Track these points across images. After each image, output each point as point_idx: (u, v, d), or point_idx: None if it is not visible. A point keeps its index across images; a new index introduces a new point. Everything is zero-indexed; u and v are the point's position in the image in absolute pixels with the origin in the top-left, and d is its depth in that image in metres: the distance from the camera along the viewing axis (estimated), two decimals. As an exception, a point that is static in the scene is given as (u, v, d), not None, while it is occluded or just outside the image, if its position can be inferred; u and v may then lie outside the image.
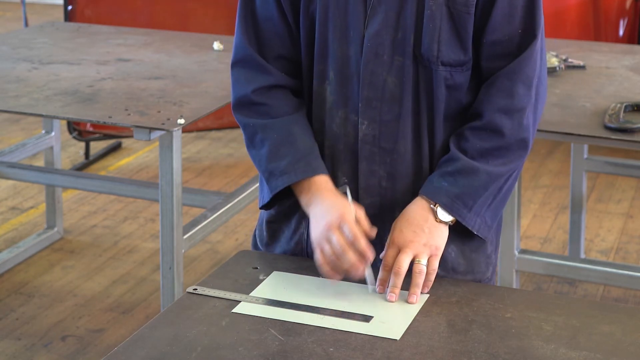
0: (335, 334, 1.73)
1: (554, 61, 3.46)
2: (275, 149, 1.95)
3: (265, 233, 2.10)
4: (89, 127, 5.48)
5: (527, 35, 1.92)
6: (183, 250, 3.22)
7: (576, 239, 4.02)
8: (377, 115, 1.94)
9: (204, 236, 3.41)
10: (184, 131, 5.56)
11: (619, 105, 3.01)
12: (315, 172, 1.93)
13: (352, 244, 1.83)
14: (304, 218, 2.02)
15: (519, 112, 1.91)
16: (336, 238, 1.84)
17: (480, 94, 1.94)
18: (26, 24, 5.86)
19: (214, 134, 6.00)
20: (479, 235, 1.93)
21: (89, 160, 5.51)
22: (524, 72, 1.92)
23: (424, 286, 1.86)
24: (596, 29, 5.67)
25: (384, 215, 1.96)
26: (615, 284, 3.41)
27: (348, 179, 1.97)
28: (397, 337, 1.71)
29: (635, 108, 3.03)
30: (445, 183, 1.90)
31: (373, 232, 1.88)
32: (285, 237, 2.06)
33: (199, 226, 3.38)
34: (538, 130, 2.93)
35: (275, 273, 1.94)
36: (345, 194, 1.92)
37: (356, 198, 1.98)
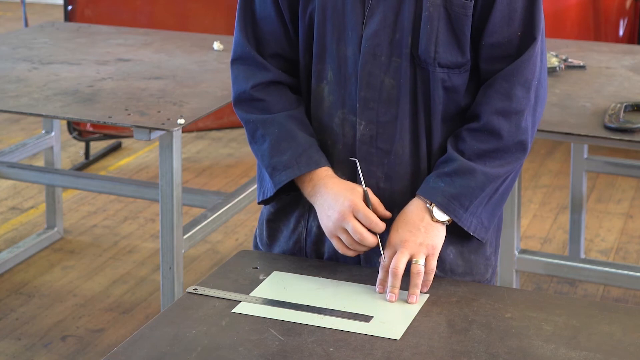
0: (335, 334, 1.73)
1: (554, 61, 3.46)
2: (277, 143, 1.96)
3: (265, 232, 2.10)
4: (89, 127, 5.48)
5: (527, 38, 1.92)
6: (183, 250, 3.22)
7: (576, 239, 4.02)
8: (375, 116, 1.94)
9: (204, 236, 3.41)
10: (184, 131, 5.56)
11: (619, 105, 3.01)
12: (318, 165, 1.94)
13: (373, 229, 1.87)
14: (303, 217, 2.03)
15: (517, 114, 1.91)
16: (352, 226, 1.87)
17: (479, 96, 1.94)
18: (26, 24, 5.86)
19: (214, 134, 6.00)
20: (476, 236, 1.93)
21: (89, 160, 5.51)
22: (523, 74, 1.91)
23: (423, 285, 1.86)
24: (596, 29, 5.67)
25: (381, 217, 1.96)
26: (615, 284, 3.41)
27: (347, 178, 1.97)
28: (397, 337, 1.71)
29: (635, 108, 3.03)
30: (442, 184, 1.90)
31: (387, 213, 1.91)
32: (284, 236, 2.06)
33: (199, 226, 3.38)
34: (538, 130, 2.93)
35: (275, 273, 1.94)
36: (352, 171, 1.94)
37: None
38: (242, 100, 2.02)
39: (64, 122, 5.51)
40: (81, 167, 5.41)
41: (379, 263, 1.90)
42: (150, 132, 2.99)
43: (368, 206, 1.90)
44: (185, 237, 3.26)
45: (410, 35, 1.91)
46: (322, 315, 1.79)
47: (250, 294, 1.86)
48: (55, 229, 4.48)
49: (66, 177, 4.04)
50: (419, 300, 1.84)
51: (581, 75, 3.44)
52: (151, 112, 3.08)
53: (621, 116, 2.92)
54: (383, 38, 1.91)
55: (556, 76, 3.42)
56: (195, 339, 1.70)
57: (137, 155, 5.64)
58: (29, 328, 3.71)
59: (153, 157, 5.58)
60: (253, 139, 2.01)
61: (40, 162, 5.13)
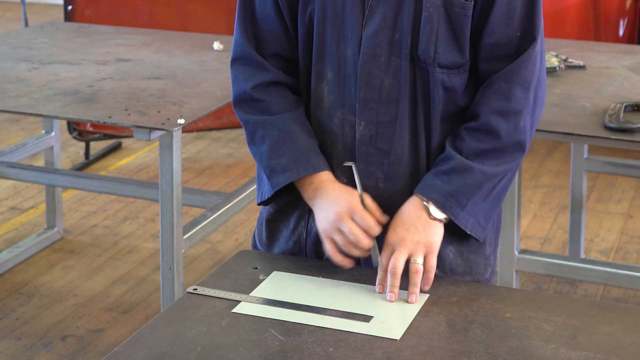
0: (335, 334, 1.73)
1: (554, 61, 3.46)
2: (276, 146, 1.96)
3: (264, 233, 2.10)
4: (89, 127, 5.48)
5: (526, 38, 1.91)
6: (183, 250, 3.22)
7: (576, 239, 4.02)
8: (374, 117, 1.94)
9: (204, 236, 3.41)
10: (184, 131, 5.56)
11: (619, 105, 3.01)
12: (316, 170, 1.94)
13: (366, 232, 1.87)
14: (302, 218, 2.03)
15: (515, 114, 1.91)
16: (348, 227, 1.87)
17: (478, 96, 1.94)
18: (26, 24, 5.86)
19: (214, 134, 6.00)
20: (472, 235, 1.93)
21: (89, 160, 5.51)
22: (522, 74, 1.91)
23: (424, 284, 1.86)
24: (596, 29, 5.67)
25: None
26: (615, 284, 3.41)
27: (346, 179, 1.98)
28: (397, 337, 1.71)
29: (635, 108, 3.03)
30: (439, 181, 1.90)
31: (384, 218, 1.91)
32: (284, 236, 2.06)
33: (199, 226, 3.38)
34: (538, 130, 2.94)
35: (275, 273, 1.94)
36: (352, 172, 1.94)
37: None
38: (242, 100, 2.02)
39: (64, 122, 5.51)
40: (81, 167, 5.41)
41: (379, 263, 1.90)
42: (150, 132, 2.99)
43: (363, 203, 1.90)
44: (185, 237, 3.26)
45: (410, 36, 1.91)
46: (322, 315, 1.79)
47: (250, 294, 1.86)
48: (55, 229, 4.48)
49: (66, 177, 4.04)
50: (418, 299, 1.83)
51: (581, 75, 3.44)
52: (151, 112, 3.08)
53: (621, 116, 2.92)
54: (383, 38, 1.91)
55: (556, 76, 3.42)
56: (195, 339, 1.70)
57: (137, 155, 5.64)
58: (29, 328, 3.71)
59: (153, 157, 5.58)
60: (252, 140, 2.01)
61: (40, 162, 5.13)
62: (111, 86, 3.37)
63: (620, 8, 5.71)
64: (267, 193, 1.99)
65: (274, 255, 2.05)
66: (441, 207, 1.89)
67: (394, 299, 1.83)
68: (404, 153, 1.95)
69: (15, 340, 3.62)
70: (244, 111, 2.02)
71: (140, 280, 4.11)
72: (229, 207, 3.58)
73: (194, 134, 5.94)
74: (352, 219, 1.88)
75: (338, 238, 1.89)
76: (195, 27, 5.49)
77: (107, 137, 5.59)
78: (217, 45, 3.92)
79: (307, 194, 1.95)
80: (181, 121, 3.00)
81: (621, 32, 5.73)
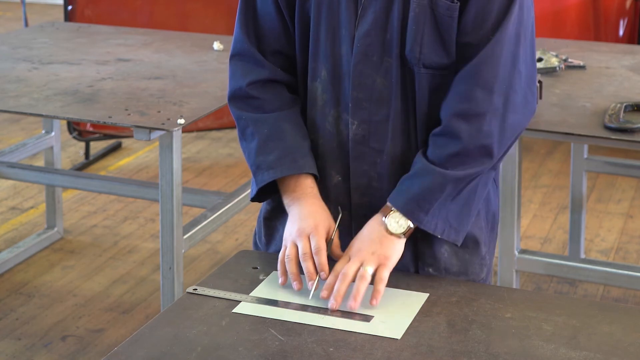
0: (335, 334, 1.73)
1: (554, 61, 3.46)
2: (264, 143, 1.97)
3: (262, 231, 2.11)
4: (89, 127, 5.48)
5: (493, 41, 1.87)
6: (183, 250, 3.22)
7: (576, 239, 4.02)
8: (367, 116, 1.94)
9: (204, 236, 3.41)
10: (184, 131, 5.56)
11: (619, 105, 3.01)
12: (302, 170, 1.94)
13: (315, 255, 1.86)
14: None
15: (477, 117, 1.87)
16: (303, 245, 1.87)
17: (445, 98, 1.91)
18: (26, 24, 5.86)
19: (214, 134, 6.00)
20: (445, 238, 1.90)
21: (89, 160, 5.51)
22: (481, 76, 1.87)
23: (372, 297, 1.82)
24: (596, 29, 5.67)
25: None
26: (615, 284, 3.41)
27: (341, 178, 1.98)
28: (398, 336, 1.71)
29: (635, 108, 3.03)
30: (404, 187, 1.89)
31: (339, 255, 1.90)
32: (280, 235, 2.06)
33: (199, 226, 3.38)
34: (538, 130, 2.94)
35: (275, 273, 1.94)
36: (336, 219, 1.94)
37: (348, 197, 1.99)
38: (236, 97, 2.02)
39: (64, 122, 5.51)
40: (81, 167, 5.41)
41: None
42: (150, 132, 2.99)
43: (330, 242, 1.90)
44: (185, 237, 3.26)
45: (399, 35, 1.91)
46: (322, 315, 1.79)
47: (250, 294, 1.86)
48: (55, 229, 4.48)
49: (66, 177, 4.04)
50: (358, 306, 1.80)
51: (581, 75, 3.44)
52: (151, 112, 3.08)
53: (621, 116, 2.92)
54: (375, 38, 1.91)
55: (556, 76, 3.42)
56: (195, 339, 1.70)
57: (137, 155, 5.64)
58: (29, 328, 3.71)
59: (153, 157, 5.58)
60: (243, 136, 2.02)
61: (40, 162, 5.13)
62: (111, 86, 3.37)
63: (620, 8, 5.71)
64: (254, 190, 2.00)
65: (274, 255, 2.05)
66: (404, 212, 1.87)
67: (335, 307, 1.81)
68: (396, 152, 1.95)
69: (15, 340, 3.62)
70: (237, 107, 2.02)
71: (140, 280, 4.11)
72: (229, 207, 3.58)
73: (194, 134, 5.94)
74: (309, 239, 1.88)
75: (291, 251, 1.88)
76: (195, 27, 5.49)
77: (107, 137, 5.59)
78: (217, 45, 3.92)
79: (286, 199, 1.96)
80: (181, 121, 3.00)
81: (621, 32, 5.73)
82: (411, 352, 1.67)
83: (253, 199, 2.04)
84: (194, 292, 1.87)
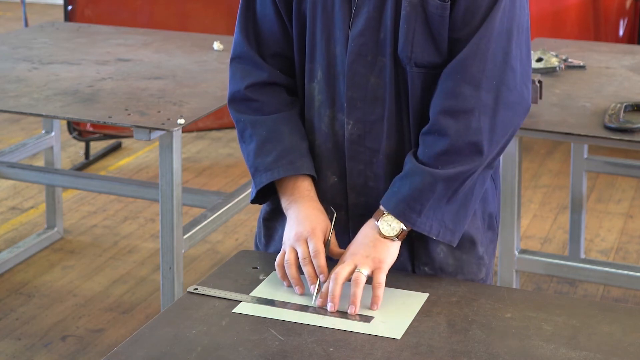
0: (335, 334, 1.73)
1: (554, 61, 3.46)
2: (262, 144, 1.97)
3: (262, 231, 2.11)
4: (89, 127, 5.48)
5: (478, 36, 1.86)
6: (183, 250, 3.22)
7: (576, 239, 4.02)
8: (362, 115, 1.94)
9: (204, 236, 3.41)
10: (184, 131, 5.56)
11: (619, 105, 3.01)
12: (299, 171, 1.94)
13: (313, 259, 1.86)
14: None
15: (465, 113, 1.85)
16: (302, 250, 1.87)
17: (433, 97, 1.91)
18: (26, 24, 5.86)
19: (214, 134, 6.00)
20: (441, 239, 1.89)
21: (89, 160, 5.51)
22: (468, 71, 1.85)
23: (372, 303, 1.82)
24: (596, 29, 5.67)
25: (371, 215, 1.96)
26: (615, 284, 3.41)
27: (337, 178, 1.98)
28: (398, 336, 1.71)
29: (635, 108, 3.03)
30: (394, 188, 1.89)
31: (339, 254, 1.90)
32: (279, 235, 2.06)
33: (199, 226, 3.38)
34: (538, 130, 2.94)
35: (275, 273, 1.94)
36: (331, 219, 1.94)
37: (344, 197, 1.99)
38: (236, 99, 2.03)
39: (64, 122, 5.51)
40: (81, 167, 5.41)
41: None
42: (150, 132, 2.99)
43: (327, 244, 1.90)
44: (185, 237, 3.26)
45: (392, 35, 1.90)
46: (322, 315, 1.79)
47: (250, 294, 1.86)
48: (55, 229, 4.48)
49: (66, 177, 4.04)
50: (357, 310, 1.80)
51: (581, 75, 3.44)
52: (151, 112, 3.08)
53: (621, 116, 2.92)
54: (369, 37, 1.91)
55: (556, 76, 3.42)
56: (195, 339, 1.70)
57: (137, 155, 5.64)
58: (29, 328, 3.71)
59: (153, 157, 5.58)
60: (242, 138, 2.02)
61: (40, 162, 5.13)
62: (111, 86, 3.37)
63: (620, 8, 5.71)
64: (254, 192, 2.00)
65: (274, 255, 2.05)
66: (396, 215, 1.87)
67: (334, 309, 1.80)
68: (392, 152, 1.95)
69: (15, 340, 3.62)
70: (236, 110, 2.02)
71: (140, 280, 4.11)
72: (229, 207, 3.58)
73: (194, 134, 5.94)
74: (307, 243, 1.88)
75: (291, 255, 1.88)
76: (195, 27, 5.49)
77: (107, 137, 5.59)
78: (217, 45, 3.92)
79: (284, 202, 1.97)
80: (181, 121, 3.00)
81: (621, 32, 5.73)
82: (411, 352, 1.67)
83: (253, 201, 2.04)
84: (194, 292, 1.87)
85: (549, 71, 3.44)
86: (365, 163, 1.96)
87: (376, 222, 1.88)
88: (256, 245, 2.15)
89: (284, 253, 1.90)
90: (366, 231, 1.89)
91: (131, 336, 1.72)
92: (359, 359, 1.65)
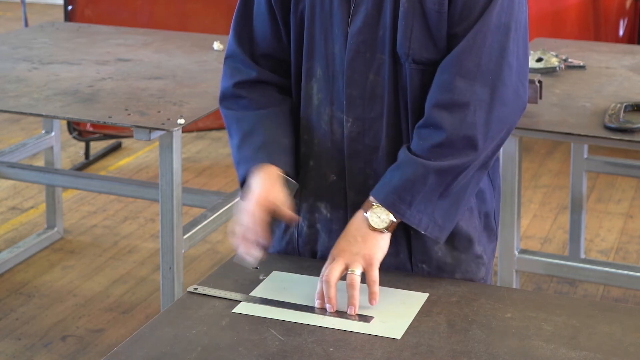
0: (335, 334, 1.73)
1: (554, 61, 3.46)
2: (244, 138, 1.98)
3: (259, 234, 2.11)
4: (89, 127, 5.48)
5: (474, 30, 1.85)
6: (183, 250, 3.22)
7: (576, 239, 4.02)
8: (361, 113, 1.94)
9: (204, 236, 3.42)
10: (184, 131, 5.56)
11: (619, 105, 3.01)
12: (274, 162, 1.93)
13: (253, 227, 1.87)
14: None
15: (460, 107, 1.85)
16: (243, 219, 1.88)
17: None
18: (26, 24, 5.86)
19: (214, 134, 6.00)
20: (428, 234, 1.87)
21: (89, 160, 5.51)
22: (462, 65, 1.85)
23: (370, 299, 1.82)
24: (596, 29, 5.67)
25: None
26: (615, 284, 3.41)
27: (336, 177, 1.98)
28: (398, 336, 1.71)
29: (635, 108, 3.03)
30: (386, 179, 1.87)
31: (292, 220, 1.90)
32: (277, 236, 2.07)
33: (199, 226, 3.38)
34: (538, 130, 2.94)
35: (275, 273, 1.94)
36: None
37: (344, 196, 1.98)
38: (225, 97, 2.04)
39: (64, 122, 5.51)
40: (81, 167, 5.41)
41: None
42: (150, 132, 2.99)
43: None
44: (185, 237, 3.26)
45: (391, 32, 1.90)
46: (322, 315, 1.79)
47: (250, 294, 1.86)
48: (55, 229, 4.48)
49: (66, 177, 4.04)
50: (357, 310, 1.80)
51: (581, 75, 3.44)
52: (151, 112, 3.08)
53: (621, 116, 2.93)
54: (367, 35, 1.91)
55: (556, 76, 3.42)
56: (195, 339, 1.70)
57: (137, 155, 5.64)
58: (29, 328, 3.71)
59: (153, 157, 5.58)
60: (229, 134, 2.03)
61: (40, 162, 5.13)
62: (111, 86, 3.37)
63: (620, 8, 5.71)
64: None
65: (273, 255, 2.05)
66: (385, 205, 1.85)
67: (333, 310, 1.80)
68: (391, 149, 1.94)
69: (15, 340, 3.62)
70: (225, 107, 2.04)
71: (140, 280, 4.11)
72: (229, 207, 3.58)
73: (194, 134, 5.94)
74: (251, 213, 1.88)
75: (237, 227, 1.89)
76: (195, 27, 5.49)
77: (107, 137, 5.59)
78: (217, 45, 3.92)
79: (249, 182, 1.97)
80: (181, 121, 3.00)
81: (621, 32, 5.73)
82: (411, 352, 1.67)
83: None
84: (194, 292, 1.87)
85: (549, 71, 3.44)
86: (364, 161, 1.96)
87: (365, 213, 1.86)
88: (254, 246, 2.15)
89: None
90: (355, 224, 1.87)
91: (131, 336, 1.72)
92: (359, 359, 1.65)
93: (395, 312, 1.80)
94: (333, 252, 1.87)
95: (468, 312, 1.80)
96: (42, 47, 3.92)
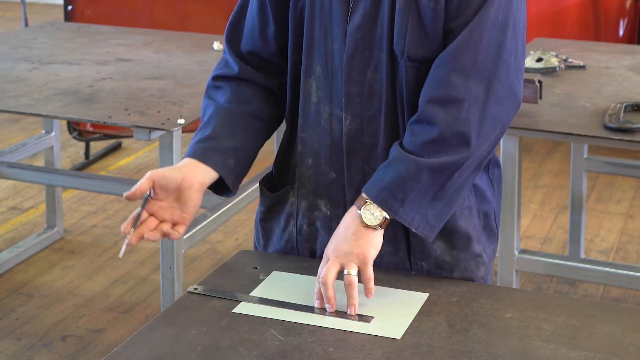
0: (335, 334, 1.73)
1: (554, 61, 3.46)
2: (202, 127, 2.00)
3: (260, 232, 2.11)
4: (89, 127, 5.48)
5: (471, 26, 1.85)
6: (183, 250, 3.22)
7: (576, 239, 4.02)
8: (360, 110, 1.94)
9: (204, 236, 3.41)
10: (184, 131, 5.55)
11: (619, 105, 3.01)
12: (201, 159, 1.94)
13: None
14: (292, 216, 2.04)
15: (454, 103, 1.83)
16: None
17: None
18: (26, 24, 5.86)
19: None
20: (419, 233, 1.86)
21: (89, 160, 5.51)
22: (458, 60, 1.84)
23: (367, 293, 1.81)
24: (596, 29, 5.67)
25: None
26: (615, 284, 3.41)
27: (335, 174, 1.98)
28: (398, 336, 1.71)
29: (635, 108, 3.04)
30: (376, 176, 1.86)
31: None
32: (276, 236, 2.07)
33: (199, 226, 3.38)
34: (538, 130, 2.94)
35: (275, 273, 1.94)
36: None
37: (343, 194, 1.98)
38: (208, 86, 2.07)
39: (64, 122, 5.51)
40: (81, 167, 5.41)
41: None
42: (150, 132, 2.99)
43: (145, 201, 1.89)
44: (185, 237, 3.26)
45: (388, 29, 1.91)
46: (322, 315, 1.79)
47: (250, 294, 1.86)
48: (55, 229, 4.48)
49: (66, 177, 4.04)
50: (357, 310, 1.79)
51: (581, 75, 3.44)
52: (151, 112, 3.08)
53: (621, 116, 2.93)
54: (366, 32, 1.92)
55: (556, 76, 3.42)
56: (195, 339, 1.70)
57: (137, 155, 5.64)
58: (29, 328, 3.71)
59: (153, 157, 5.58)
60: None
61: (40, 162, 5.13)
62: (111, 86, 3.37)
63: (620, 8, 5.71)
64: None
65: (273, 255, 2.05)
66: (378, 202, 1.83)
67: (333, 310, 1.80)
68: (389, 147, 1.94)
69: (15, 340, 3.62)
70: (206, 95, 2.06)
71: (140, 280, 4.11)
72: (229, 207, 3.58)
73: (194, 134, 5.93)
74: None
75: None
76: (195, 27, 5.49)
77: (107, 137, 5.59)
78: (217, 45, 3.92)
79: None
80: (181, 121, 3.00)
81: (621, 32, 5.73)
82: (411, 352, 1.67)
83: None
84: (194, 292, 1.87)
85: (549, 71, 3.44)
86: (363, 159, 1.96)
87: (358, 210, 1.85)
88: (255, 247, 2.15)
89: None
90: (348, 221, 1.86)
91: (131, 336, 1.72)
92: (359, 359, 1.65)
93: (395, 312, 1.80)
94: (327, 250, 1.86)
95: (468, 312, 1.80)
96: (42, 47, 3.92)
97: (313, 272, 1.93)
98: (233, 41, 2.05)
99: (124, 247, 1.82)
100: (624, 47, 3.97)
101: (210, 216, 3.47)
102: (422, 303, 1.83)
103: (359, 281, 1.83)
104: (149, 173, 1.89)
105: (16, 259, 4.24)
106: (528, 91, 2.92)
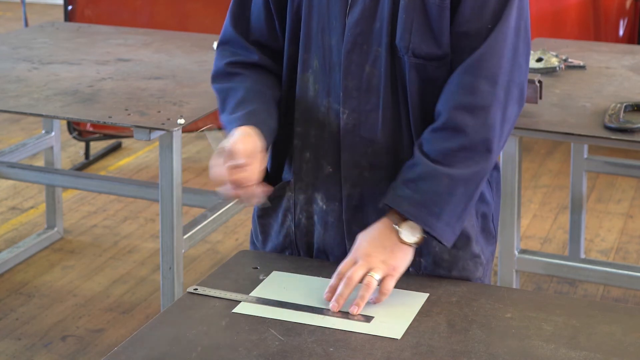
0: (335, 334, 1.73)
1: (554, 61, 3.46)
2: (238, 104, 1.96)
3: (258, 229, 2.11)
4: (89, 127, 5.48)
5: (496, 32, 1.86)
6: (183, 250, 3.22)
7: (576, 239, 4.02)
8: (357, 105, 1.94)
9: (204, 236, 3.41)
10: (184, 131, 5.55)
11: (619, 105, 3.01)
12: (259, 128, 1.92)
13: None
14: (289, 211, 2.04)
15: (482, 109, 1.84)
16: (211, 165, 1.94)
17: (442, 92, 1.89)
18: (26, 24, 5.86)
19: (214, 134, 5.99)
20: (442, 242, 1.87)
21: (89, 160, 5.51)
22: (487, 67, 1.85)
23: (377, 299, 1.82)
24: (596, 29, 5.67)
25: (366, 206, 1.96)
26: (615, 284, 3.41)
27: (332, 169, 1.98)
28: (398, 336, 1.71)
29: (635, 108, 3.04)
30: (408, 190, 1.85)
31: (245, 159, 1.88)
32: (274, 231, 2.07)
33: (199, 226, 3.38)
34: (538, 130, 2.94)
35: (275, 273, 1.94)
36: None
37: (339, 188, 1.98)
38: (217, 75, 2.04)
39: (64, 122, 5.51)
40: (81, 167, 5.41)
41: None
42: (150, 132, 2.99)
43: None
44: (185, 237, 3.26)
45: (389, 24, 1.90)
46: (322, 315, 1.79)
47: (250, 294, 1.86)
48: (55, 229, 4.48)
49: (66, 177, 4.04)
50: (360, 311, 1.79)
51: (581, 75, 3.44)
52: (151, 112, 3.08)
53: (621, 116, 2.93)
54: (365, 27, 1.91)
55: (556, 76, 3.42)
56: (195, 339, 1.70)
57: (137, 155, 5.64)
58: (29, 328, 3.71)
59: (153, 157, 5.58)
60: (222, 107, 2.01)
61: (40, 162, 5.13)
62: (111, 86, 3.37)
63: (620, 8, 5.71)
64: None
65: (273, 255, 2.05)
66: (414, 218, 1.84)
67: (336, 309, 1.80)
68: (387, 142, 1.94)
69: (15, 340, 3.62)
70: (218, 82, 2.04)
71: (140, 280, 4.11)
72: (229, 207, 3.58)
73: (194, 134, 5.94)
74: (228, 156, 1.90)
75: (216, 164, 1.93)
76: (195, 27, 5.49)
77: (107, 137, 5.59)
78: (216, 45, 3.91)
79: None
80: (181, 121, 3.00)
81: (621, 32, 5.73)
82: (411, 352, 1.67)
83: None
84: (194, 292, 1.87)
85: (549, 71, 3.44)
86: (360, 154, 1.95)
87: (396, 225, 1.85)
88: (252, 244, 2.15)
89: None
90: (384, 232, 1.86)
91: (131, 336, 1.72)
92: (359, 359, 1.65)
93: (395, 312, 1.80)
94: (357, 253, 1.85)
95: (468, 312, 1.80)
96: (42, 47, 3.92)
97: (313, 272, 1.94)
98: (241, 29, 2.04)
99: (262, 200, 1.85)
100: (624, 47, 3.97)
101: (210, 216, 3.47)
102: (422, 303, 1.83)
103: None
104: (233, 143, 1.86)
105: (16, 259, 4.24)
106: (528, 91, 2.92)
